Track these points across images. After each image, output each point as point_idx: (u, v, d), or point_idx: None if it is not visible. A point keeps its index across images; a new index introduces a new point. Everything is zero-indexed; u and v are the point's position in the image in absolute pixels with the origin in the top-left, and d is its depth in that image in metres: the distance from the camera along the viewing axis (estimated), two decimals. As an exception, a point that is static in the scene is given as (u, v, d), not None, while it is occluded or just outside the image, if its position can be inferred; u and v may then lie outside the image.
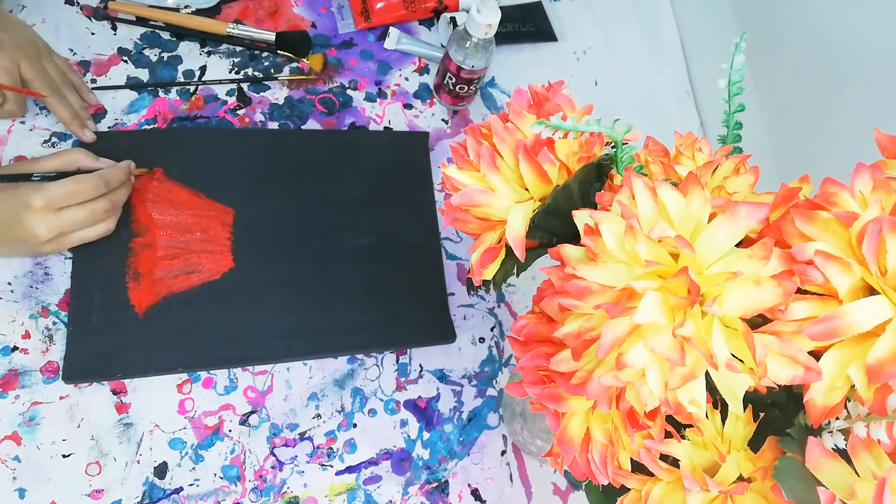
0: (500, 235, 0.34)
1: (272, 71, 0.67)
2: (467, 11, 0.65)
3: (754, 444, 0.32)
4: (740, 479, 0.30)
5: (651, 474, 0.32)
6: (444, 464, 0.57)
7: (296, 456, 0.54)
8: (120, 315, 0.53)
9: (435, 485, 0.56)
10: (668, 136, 0.39)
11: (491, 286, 0.38)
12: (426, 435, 0.57)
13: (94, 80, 0.61)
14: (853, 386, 0.25)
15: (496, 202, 0.33)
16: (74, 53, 0.61)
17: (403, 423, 0.57)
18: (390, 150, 0.66)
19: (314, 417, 0.55)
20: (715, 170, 0.35)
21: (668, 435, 0.31)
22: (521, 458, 0.59)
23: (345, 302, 0.59)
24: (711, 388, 0.27)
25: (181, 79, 0.63)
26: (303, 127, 0.65)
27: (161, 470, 0.50)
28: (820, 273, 0.24)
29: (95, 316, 0.52)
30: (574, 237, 0.29)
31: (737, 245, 0.26)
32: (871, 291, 0.24)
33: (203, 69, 0.64)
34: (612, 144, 0.34)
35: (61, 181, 0.48)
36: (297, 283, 0.58)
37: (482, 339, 0.62)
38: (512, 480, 0.58)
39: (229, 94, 0.64)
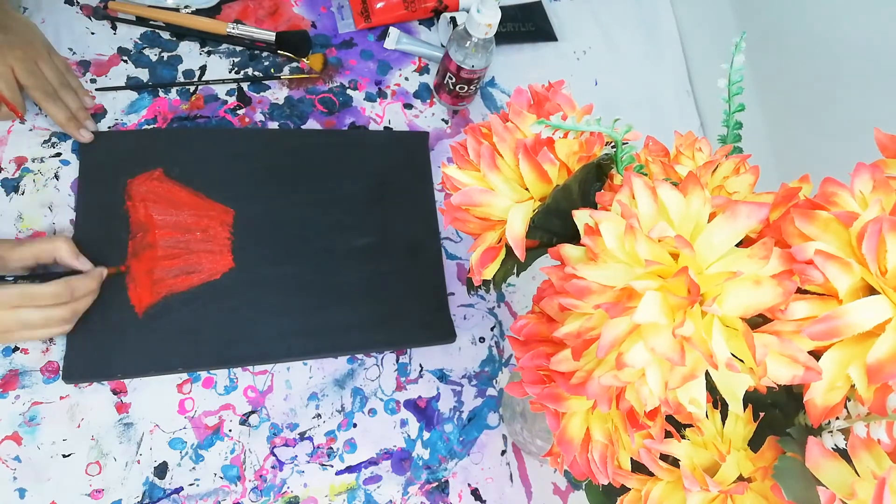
0: (500, 235, 0.34)
1: (272, 71, 0.67)
2: (467, 11, 0.65)
3: (754, 443, 0.32)
4: (740, 478, 0.30)
5: (651, 474, 0.32)
6: (444, 463, 0.57)
7: (296, 456, 0.54)
8: (120, 315, 0.53)
9: (435, 484, 0.56)
10: (668, 136, 0.39)
11: (491, 286, 0.38)
12: (426, 435, 0.57)
13: (94, 80, 0.61)
14: (853, 386, 0.25)
15: (496, 202, 0.33)
16: (74, 53, 0.61)
17: (403, 423, 0.57)
18: (390, 150, 0.66)
19: (314, 417, 0.55)
20: (715, 170, 0.35)
21: (668, 435, 0.31)
22: (521, 457, 0.59)
23: (345, 302, 0.59)
24: (711, 387, 0.27)
25: (181, 79, 0.63)
26: (303, 127, 0.65)
27: (161, 470, 0.50)
28: (820, 273, 0.24)
29: (95, 316, 0.52)
30: (574, 237, 0.29)
31: (737, 245, 0.26)
32: (871, 291, 0.24)
33: (203, 69, 0.64)
34: (612, 144, 0.34)
35: (17, 285, 0.45)
36: (297, 283, 0.58)
37: (482, 339, 0.62)
38: (512, 480, 0.58)
39: (229, 93, 0.64)
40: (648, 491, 0.31)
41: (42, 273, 0.50)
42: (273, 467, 0.53)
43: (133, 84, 0.61)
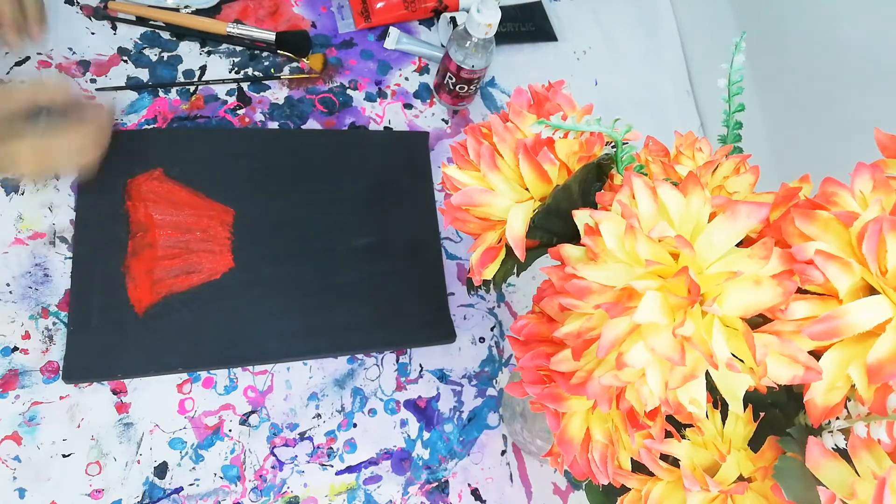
0: (500, 235, 0.34)
1: (272, 71, 0.67)
2: (467, 11, 0.65)
3: (754, 443, 0.32)
4: (740, 478, 0.30)
5: (651, 474, 0.32)
6: (444, 463, 0.57)
7: (296, 456, 0.54)
8: (120, 315, 0.53)
9: (435, 484, 0.56)
10: (668, 136, 0.39)
11: (491, 286, 0.38)
12: (426, 435, 0.57)
13: (93, 80, 0.61)
14: (853, 386, 0.25)
15: (496, 202, 0.33)
16: (74, 53, 0.61)
17: (403, 423, 0.57)
18: (390, 150, 0.66)
19: (314, 417, 0.55)
20: (715, 170, 0.35)
21: (668, 435, 0.31)
22: (521, 457, 0.59)
23: (345, 302, 0.59)
24: (711, 387, 0.27)
25: (181, 79, 0.63)
26: (303, 127, 0.65)
27: (161, 470, 0.50)
28: (820, 273, 0.24)
29: (95, 316, 0.52)
30: (574, 237, 0.29)
31: (737, 245, 0.26)
32: (872, 291, 0.24)
33: (203, 69, 0.64)
34: (612, 144, 0.34)
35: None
36: (297, 283, 0.58)
37: (482, 339, 0.62)
38: (512, 480, 0.58)
39: (229, 93, 0.64)
40: (648, 491, 0.31)
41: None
42: (273, 467, 0.53)
43: (133, 84, 0.61)
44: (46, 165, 0.50)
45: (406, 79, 0.71)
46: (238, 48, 0.66)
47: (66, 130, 0.49)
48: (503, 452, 0.59)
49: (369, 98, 0.69)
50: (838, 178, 0.27)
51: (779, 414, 0.32)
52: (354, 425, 0.56)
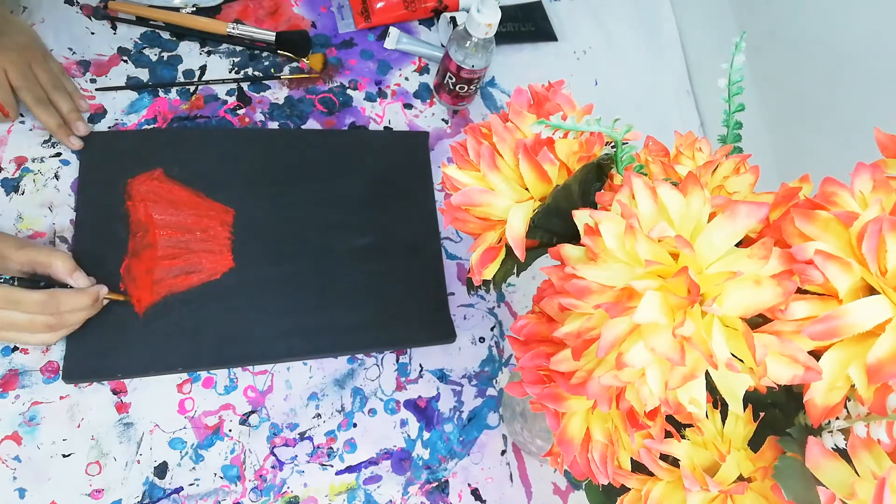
0: (500, 235, 0.34)
1: (272, 71, 0.67)
2: (467, 11, 0.65)
3: (754, 443, 0.32)
4: (740, 478, 0.30)
5: (651, 474, 0.32)
6: (444, 463, 0.57)
7: (296, 456, 0.54)
8: (120, 315, 0.53)
9: (435, 484, 0.56)
10: (668, 136, 0.39)
11: (491, 286, 0.38)
12: (426, 435, 0.57)
13: (93, 80, 0.61)
14: (853, 386, 0.25)
15: (496, 202, 0.33)
16: (74, 53, 0.61)
17: (403, 423, 0.57)
18: (390, 150, 0.66)
19: (314, 417, 0.55)
20: (715, 169, 0.35)
21: (668, 435, 0.31)
22: (521, 457, 0.59)
23: (345, 302, 0.59)
24: (711, 387, 0.27)
25: (181, 79, 0.63)
26: (303, 127, 0.65)
27: (161, 470, 0.50)
28: (820, 273, 0.24)
29: (95, 316, 0.52)
30: (574, 237, 0.29)
31: (737, 245, 0.26)
32: (871, 291, 0.24)
33: (203, 69, 0.64)
34: (612, 144, 0.34)
35: (4, 287, 0.46)
36: (297, 282, 0.58)
37: (482, 339, 0.62)
38: (512, 480, 0.58)
39: (229, 93, 0.64)
40: (648, 491, 0.31)
41: (44, 279, 0.50)
42: (273, 467, 0.53)
43: (133, 84, 0.61)
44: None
45: (406, 79, 0.71)
46: (238, 48, 0.66)
47: (22, 306, 0.46)
48: (503, 452, 0.59)
49: (369, 98, 0.69)
50: (838, 178, 0.27)
51: (779, 414, 0.32)
52: (354, 425, 0.56)
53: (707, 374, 0.26)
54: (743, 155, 0.35)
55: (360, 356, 0.58)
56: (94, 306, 0.50)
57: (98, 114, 0.59)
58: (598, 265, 0.26)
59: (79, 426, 0.50)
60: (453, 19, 0.72)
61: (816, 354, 0.25)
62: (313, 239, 0.60)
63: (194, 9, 0.66)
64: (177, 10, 0.65)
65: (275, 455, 0.53)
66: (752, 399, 0.30)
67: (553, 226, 0.34)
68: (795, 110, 0.66)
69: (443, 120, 0.71)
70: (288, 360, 0.56)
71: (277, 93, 0.66)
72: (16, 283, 0.47)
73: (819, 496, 0.26)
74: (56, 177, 0.56)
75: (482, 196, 0.33)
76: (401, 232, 0.63)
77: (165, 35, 0.65)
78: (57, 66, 0.58)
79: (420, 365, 0.60)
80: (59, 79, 0.57)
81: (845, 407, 0.27)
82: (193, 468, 0.51)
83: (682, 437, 0.32)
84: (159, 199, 0.57)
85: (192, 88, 0.63)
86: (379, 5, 0.71)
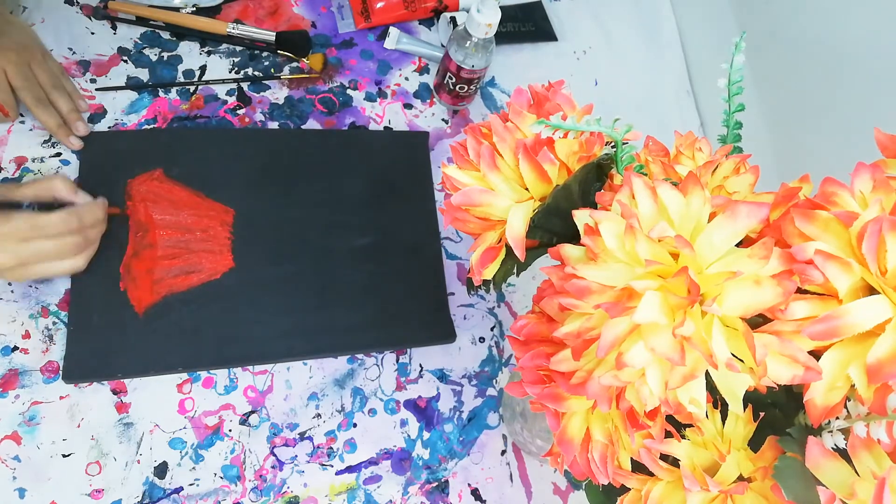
0: (500, 235, 0.34)
1: (272, 71, 0.67)
2: (467, 11, 0.65)
3: (754, 443, 0.32)
4: (740, 478, 0.30)
5: (651, 474, 0.32)
6: (444, 463, 0.57)
7: (296, 456, 0.54)
8: (120, 315, 0.53)
9: (435, 484, 0.56)
10: (668, 136, 0.39)
11: (491, 286, 0.38)
12: (426, 435, 0.57)
13: (93, 80, 0.61)
14: (853, 385, 0.25)
15: (496, 202, 0.33)
16: (74, 53, 0.61)
17: (403, 423, 0.57)
18: (390, 149, 0.66)
19: (314, 417, 0.55)
20: (715, 169, 0.35)
21: (668, 435, 0.31)
22: (521, 457, 0.59)
23: (345, 302, 0.59)
24: (711, 387, 0.27)
25: (181, 79, 0.63)
26: (303, 127, 0.65)
27: (161, 470, 0.50)
28: (820, 273, 0.24)
29: (95, 316, 0.52)
30: (574, 237, 0.29)
31: (737, 245, 0.26)
32: (871, 291, 0.24)
33: (203, 69, 0.64)
34: (612, 144, 0.34)
35: (26, 213, 0.46)
36: (297, 282, 0.58)
37: (482, 339, 0.62)
38: (512, 480, 0.58)
39: (229, 93, 0.64)
40: (648, 491, 0.31)
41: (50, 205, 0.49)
42: (273, 467, 0.53)
43: (133, 84, 0.61)
44: (27, 268, 0.47)
45: (406, 79, 0.71)
46: (238, 48, 0.66)
47: (47, 228, 0.46)
48: (503, 452, 0.59)
49: (369, 98, 0.69)
50: (838, 178, 0.27)
51: (779, 414, 0.32)
52: (354, 425, 0.56)
53: (707, 374, 0.26)
54: (743, 155, 0.35)
55: (360, 356, 0.58)
56: (104, 221, 0.52)
57: (98, 114, 0.59)
58: (598, 265, 0.26)
59: (79, 426, 0.50)
60: (453, 19, 0.72)
61: (816, 354, 0.25)
62: (313, 239, 0.60)
63: (194, 9, 0.66)
64: (177, 10, 0.65)
65: (275, 455, 0.53)
66: (752, 399, 0.30)
67: (553, 226, 0.34)
68: (795, 110, 0.66)
69: (443, 120, 0.71)
70: (288, 360, 0.56)
71: (277, 93, 0.66)
72: (36, 208, 0.48)
73: (819, 496, 0.26)
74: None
75: (482, 196, 0.33)
76: (401, 232, 0.63)
77: (165, 35, 0.65)
78: (56, 66, 0.58)
79: (420, 365, 0.60)
80: (59, 79, 0.57)
81: (845, 407, 0.27)
82: (193, 468, 0.51)
83: (682, 437, 0.32)
84: (159, 199, 0.57)
85: (192, 88, 0.63)
86: (379, 5, 0.71)
